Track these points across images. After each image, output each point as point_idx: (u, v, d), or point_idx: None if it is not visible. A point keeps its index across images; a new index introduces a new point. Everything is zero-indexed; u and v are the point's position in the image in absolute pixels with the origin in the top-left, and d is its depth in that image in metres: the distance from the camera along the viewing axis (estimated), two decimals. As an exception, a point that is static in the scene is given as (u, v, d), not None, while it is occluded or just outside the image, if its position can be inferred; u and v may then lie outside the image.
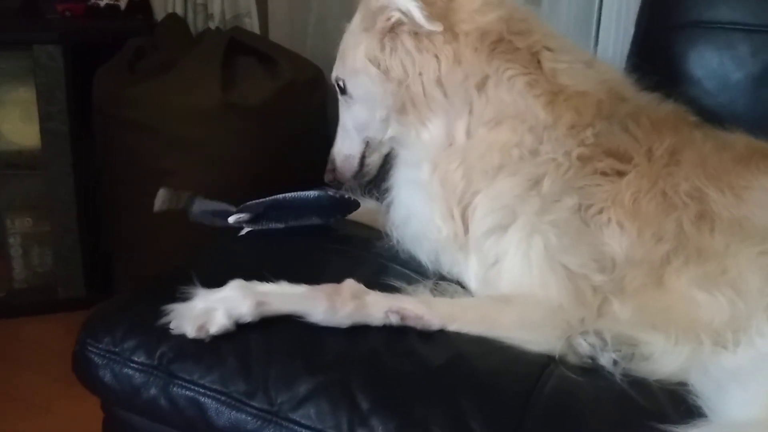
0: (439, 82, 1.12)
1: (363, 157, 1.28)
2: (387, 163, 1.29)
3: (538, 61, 1.14)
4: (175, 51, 1.98)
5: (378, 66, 1.15)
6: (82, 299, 2.02)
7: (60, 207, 1.96)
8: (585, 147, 1.10)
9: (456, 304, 1.06)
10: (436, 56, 1.12)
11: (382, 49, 1.14)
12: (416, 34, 1.12)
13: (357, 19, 1.21)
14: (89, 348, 1.04)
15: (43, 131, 1.91)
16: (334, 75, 1.25)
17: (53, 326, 1.94)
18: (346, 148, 1.29)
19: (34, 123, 1.92)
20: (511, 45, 1.13)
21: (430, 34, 1.11)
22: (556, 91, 1.12)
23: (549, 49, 1.15)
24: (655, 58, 1.48)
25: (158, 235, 1.84)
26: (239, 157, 1.82)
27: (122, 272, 1.99)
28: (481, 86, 1.12)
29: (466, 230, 1.12)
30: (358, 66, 1.18)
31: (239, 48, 2.00)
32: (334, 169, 1.31)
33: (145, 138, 1.85)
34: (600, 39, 1.87)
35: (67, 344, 1.86)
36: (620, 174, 1.09)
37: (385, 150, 1.27)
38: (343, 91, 1.24)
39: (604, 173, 1.09)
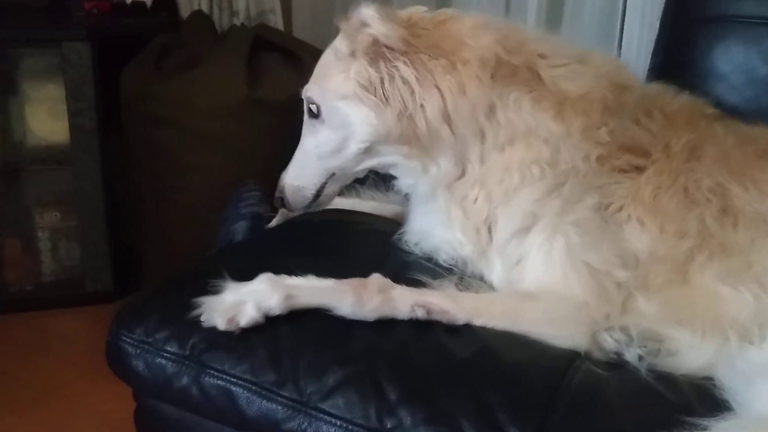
0: (446, 117, 1.07)
1: (321, 188, 1.19)
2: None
3: (538, 74, 1.11)
4: (200, 48, 2.00)
5: (374, 94, 1.06)
6: (110, 292, 2.05)
7: (87, 201, 1.99)
8: (602, 147, 1.09)
9: (481, 299, 1.07)
10: (438, 88, 1.06)
11: (378, 74, 1.06)
12: (411, 60, 1.05)
13: (341, 41, 1.12)
14: (122, 338, 1.06)
15: (72, 127, 1.94)
16: (306, 95, 1.15)
17: (81, 319, 1.98)
18: (301, 178, 1.19)
19: (62, 119, 1.96)
20: (510, 66, 1.09)
21: (425, 63, 1.06)
22: (562, 99, 1.10)
23: (543, 56, 1.13)
24: (681, 54, 1.48)
25: (184, 229, 1.87)
26: (264, 152, 1.84)
27: (149, 266, 2.02)
28: (490, 114, 1.09)
29: (487, 243, 1.12)
30: (344, 91, 1.09)
31: (264, 44, 2.02)
32: (281, 198, 1.22)
33: (171, 133, 1.88)
34: (624, 35, 1.87)
35: (94, 337, 1.91)
36: (639, 170, 1.10)
37: (349, 180, 1.22)
38: (315, 114, 1.14)
39: (622, 170, 1.09)
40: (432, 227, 1.16)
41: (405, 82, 1.05)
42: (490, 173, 1.11)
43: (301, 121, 1.20)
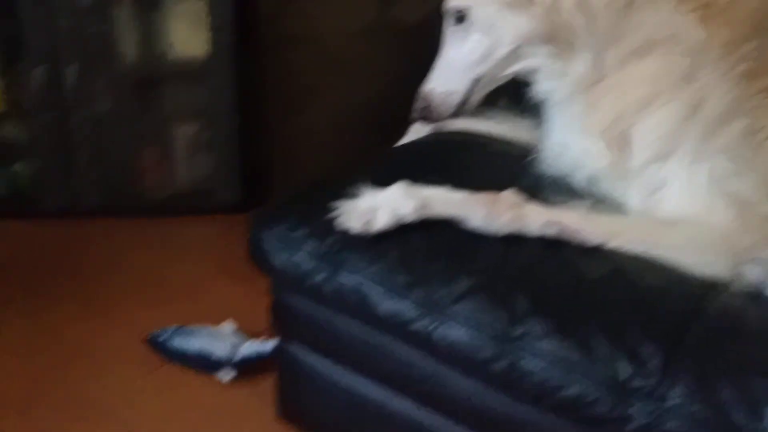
0: (585, 9, 1.06)
1: (468, 95, 1.18)
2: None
3: None
4: (335, -32, 2.01)
5: None
6: (238, 204, 2.16)
7: (222, 115, 2.07)
8: (747, 64, 1.03)
9: (616, 221, 1.05)
10: None
11: None
12: None
13: None
14: (265, 234, 1.12)
15: (211, 42, 2.02)
16: (452, 3, 1.15)
17: (211, 227, 2.10)
18: (448, 84, 1.18)
19: (202, 34, 2.03)
20: None
21: None
22: (707, 2, 1.04)
23: None
24: None
25: (312, 147, 1.93)
26: (395, 75, 1.85)
27: (277, 180, 2.11)
28: (627, 10, 1.06)
29: (625, 161, 1.10)
30: None
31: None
32: (426, 107, 1.21)
33: (304, 52, 1.92)
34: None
35: (223, 243, 2.04)
36: None
37: (492, 87, 1.21)
38: (462, 20, 1.14)
39: None
40: (567, 138, 1.15)
41: None
42: (626, 81, 1.08)
43: (433, 43, 1.21)
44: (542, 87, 1.18)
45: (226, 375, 1.46)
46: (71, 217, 2.05)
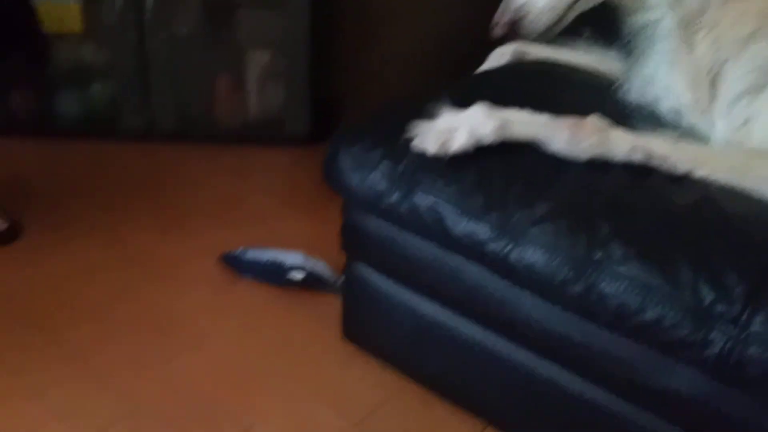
0: None
1: (564, 13, 1.14)
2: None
3: None
4: None
5: None
6: (307, 136, 2.17)
7: (295, 45, 2.07)
8: None
9: (705, 150, 1.02)
10: None
11: None
12: None
13: None
14: (341, 153, 1.13)
15: (286, -31, 2.00)
16: None
17: (279, 157, 2.12)
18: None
19: (279, -39, 2.02)
20: None
21: None
22: None
23: None
24: None
25: (384, 80, 1.91)
26: (473, 4, 1.80)
27: (348, 114, 2.11)
28: None
29: (711, 99, 1.06)
30: None
31: None
32: (516, 21, 1.15)
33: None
34: None
35: (291, 173, 2.06)
36: None
37: (587, 7, 1.16)
38: None
39: None
40: (656, 71, 1.12)
41: None
42: (725, 16, 1.05)
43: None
44: (644, 17, 1.14)
45: (298, 274, 1.50)
46: (147, 141, 2.11)
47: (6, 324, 1.38)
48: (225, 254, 1.56)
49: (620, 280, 0.88)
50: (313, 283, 1.50)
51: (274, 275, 1.51)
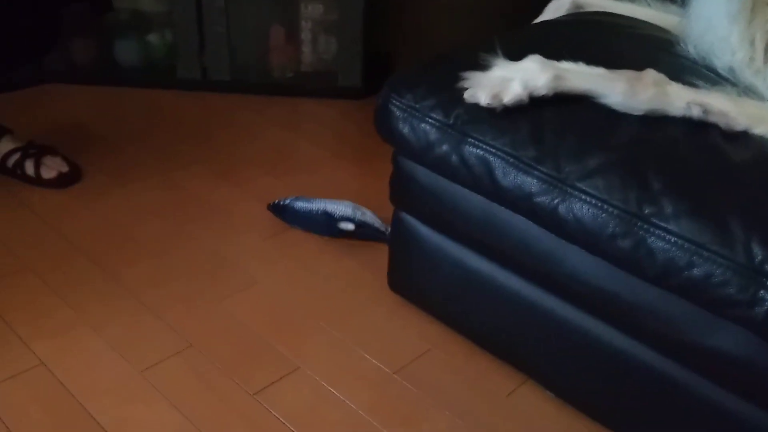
0: None
1: None
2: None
3: None
4: None
5: None
6: (358, 89, 2.18)
7: (349, -2, 2.08)
8: None
9: (764, 107, 0.99)
10: None
11: None
12: None
13: None
14: (392, 102, 1.13)
15: None
16: None
17: (330, 109, 2.14)
18: None
19: None
20: None
21: None
22: None
23: None
24: None
25: (435, 35, 1.89)
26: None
27: (399, 68, 2.10)
28: None
29: (766, 58, 1.02)
30: None
31: None
32: None
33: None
34: None
35: (341, 126, 2.07)
36: None
37: None
38: None
39: None
40: (712, 22, 1.09)
41: None
42: None
43: None
44: None
45: (347, 225, 1.52)
46: (202, 90, 2.15)
47: (68, 262, 1.44)
48: (272, 204, 1.59)
49: (670, 236, 0.87)
50: (362, 233, 1.52)
51: (324, 226, 1.54)
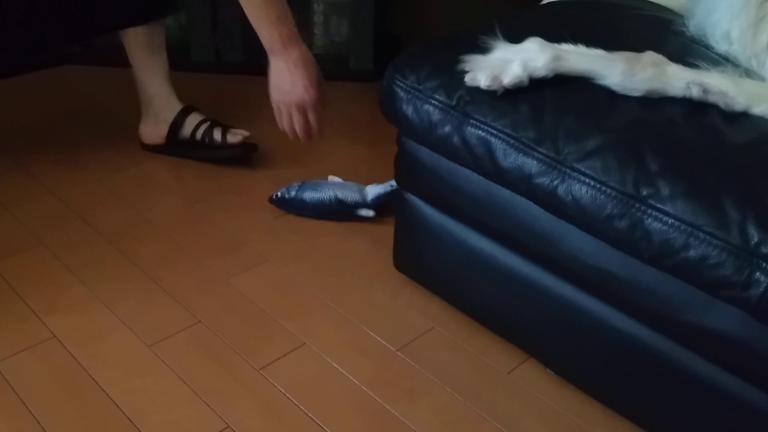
0: None
1: None
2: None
3: None
4: None
5: None
6: (369, 72, 2.19)
7: (361, -21, 2.08)
8: None
9: (764, 87, 0.99)
10: None
11: None
12: None
13: None
14: (396, 83, 1.15)
15: None
16: None
17: (342, 92, 2.15)
18: None
19: None
20: None
21: None
22: None
23: None
24: None
25: (446, 19, 1.89)
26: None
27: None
28: None
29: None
30: None
31: None
32: None
33: None
34: None
35: (351, 109, 2.09)
36: None
37: None
38: None
39: None
40: (716, 7, 1.09)
41: None
42: None
43: None
44: None
45: (367, 213, 1.56)
46: (215, 71, 2.17)
47: (82, 242, 1.48)
48: (275, 197, 1.59)
49: (666, 217, 0.88)
50: (379, 205, 1.56)
51: (339, 215, 1.56)
